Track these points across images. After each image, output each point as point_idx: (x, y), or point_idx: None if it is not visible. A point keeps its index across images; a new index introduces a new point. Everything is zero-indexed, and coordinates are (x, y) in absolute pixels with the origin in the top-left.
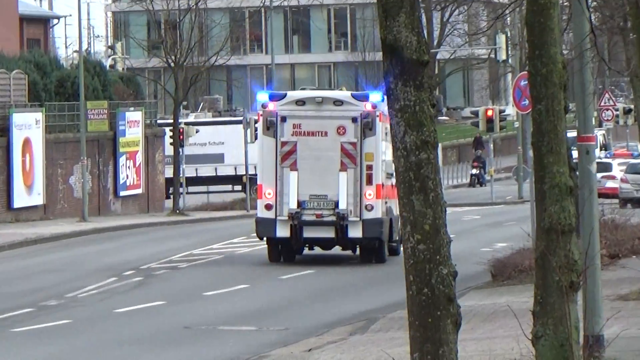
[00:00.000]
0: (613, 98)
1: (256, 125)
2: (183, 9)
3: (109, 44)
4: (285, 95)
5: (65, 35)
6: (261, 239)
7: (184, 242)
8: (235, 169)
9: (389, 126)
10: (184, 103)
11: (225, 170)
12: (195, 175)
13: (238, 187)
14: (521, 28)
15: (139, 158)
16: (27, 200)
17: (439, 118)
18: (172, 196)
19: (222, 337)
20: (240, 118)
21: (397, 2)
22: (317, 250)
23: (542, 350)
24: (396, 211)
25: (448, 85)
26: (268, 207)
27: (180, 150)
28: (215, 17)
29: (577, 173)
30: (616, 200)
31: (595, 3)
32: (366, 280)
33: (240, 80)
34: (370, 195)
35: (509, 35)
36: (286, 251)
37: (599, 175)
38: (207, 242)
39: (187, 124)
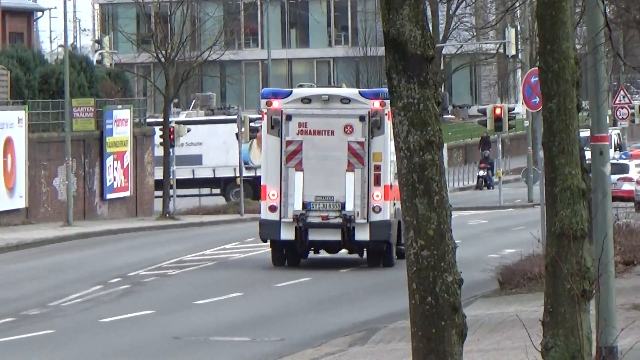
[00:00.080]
0: (628, 95)
1: (251, 124)
2: (174, 1)
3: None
4: (290, 93)
5: (50, 28)
6: (264, 241)
7: (174, 248)
8: (214, 171)
9: None
10: (175, 101)
11: (202, 173)
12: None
13: (217, 191)
14: (532, 21)
15: (127, 159)
16: (9, 204)
17: (445, 117)
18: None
19: (214, 348)
20: (234, 117)
21: None
22: (323, 253)
23: None
24: None
25: (454, 82)
26: (272, 208)
27: (171, 150)
28: (209, 10)
29: (590, 175)
30: (632, 204)
31: None
32: (367, 287)
33: (234, 77)
34: (378, 196)
35: (518, 29)
36: (290, 254)
37: (615, 177)
38: (198, 248)
39: (178, 122)
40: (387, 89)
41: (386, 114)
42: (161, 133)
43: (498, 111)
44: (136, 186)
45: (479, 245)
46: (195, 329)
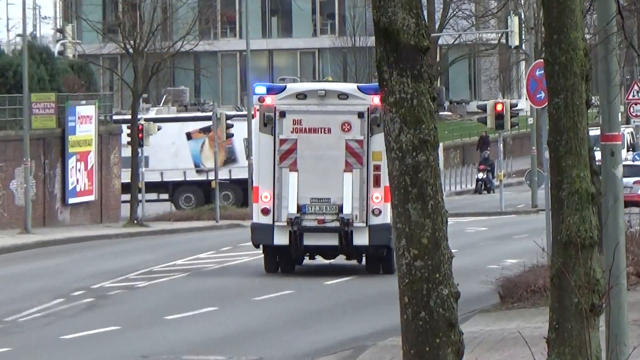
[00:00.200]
0: None
1: (228, 121)
2: None
3: (58, 27)
4: (284, 88)
5: (7, 16)
6: (257, 247)
7: (142, 257)
8: (162, 174)
9: None
10: (144, 96)
11: (149, 177)
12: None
13: (164, 196)
14: (537, 9)
15: (92, 160)
16: None
17: (441, 113)
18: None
19: None
20: (209, 113)
21: None
22: (319, 259)
23: None
24: None
25: (451, 76)
26: (265, 211)
27: (140, 150)
28: None
29: (600, 178)
30: None
31: None
32: (356, 301)
33: (209, 70)
34: (377, 198)
35: (522, 17)
36: (284, 261)
37: (630, 180)
38: (169, 258)
39: (147, 120)
40: None
41: None
42: (129, 131)
43: (499, 107)
44: (101, 190)
45: (478, 255)
46: (165, 346)
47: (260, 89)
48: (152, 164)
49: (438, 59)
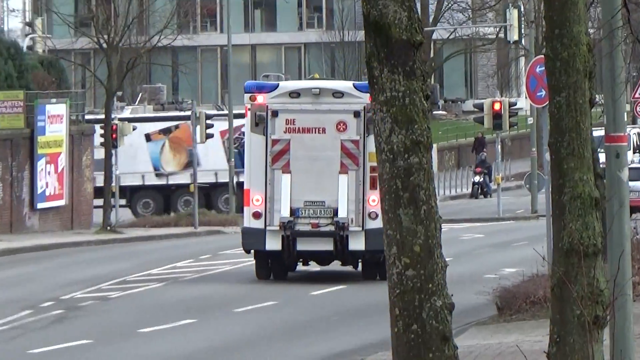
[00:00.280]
0: None
1: (208, 121)
2: None
3: (27, 20)
4: (277, 86)
5: None
6: (248, 252)
7: (116, 266)
8: (119, 178)
9: None
10: (119, 94)
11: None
12: None
13: (122, 202)
14: (537, 1)
15: (62, 162)
16: None
17: (434, 113)
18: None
19: None
20: (188, 112)
21: None
22: (313, 265)
23: None
24: None
25: (446, 72)
26: (256, 215)
27: (113, 152)
28: None
29: (605, 181)
30: None
31: None
32: (343, 312)
33: (188, 66)
34: (374, 201)
35: (522, 10)
36: (277, 267)
37: (637, 184)
38: (144, 267)
39: (122, 119)
40: None
41: None
42: (102, 132)
43: (497, 106)
44: (72, 194)
45: (474, 264)
46: None
47: (252, 87)
48: None
49: (432, 55)
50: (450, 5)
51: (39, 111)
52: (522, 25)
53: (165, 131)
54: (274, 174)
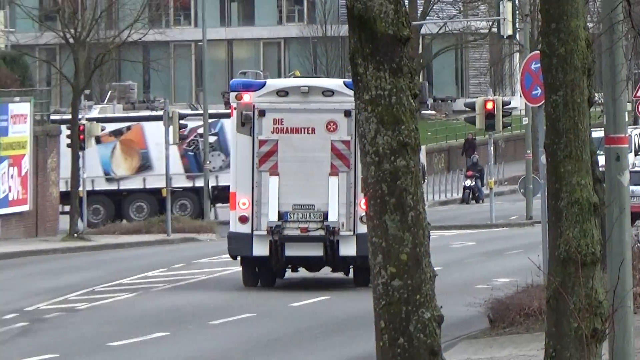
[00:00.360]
0: None
1: (181, 121)
2: None
3: None
4: (264, 85)
5: None
6: (234, 258)
7: (83, 276)
8: (67, 183)
9: None
10: (87, 92)
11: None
12: None
13: (67, 207)
14: None
15: (26, 164)
16: None
17: (423, 112)
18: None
19: None
20: (160, 112)
21: None
22: (303, 272)
23: None
24: None
25: (436, 69)
26: (243, 219)
27: (81, 154)
28: None
29: (604, 185)
30: None
31: None
32: (325, 324)
33: (160, 62)
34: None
35: (516, 2)
36: (265, 273)
37: (639, 188)
38: (114, 276)
39: (90, 119)
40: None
41: None
42: (69, 132)
43: (490, 106)
44: (37, 199)
45: (465, 274)
46: None
47: (238, 86)
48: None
49: (420, 51)
50: None
51: (1, 110)
52: (517, 19)
53: (116, 133)
54: (261, 176)
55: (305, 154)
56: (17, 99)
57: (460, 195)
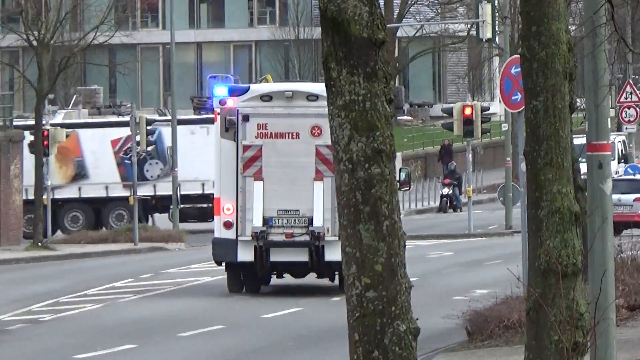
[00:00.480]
0: (637, 92)
1: (149, 127)
2: None
3: None
4: (247, 89)
5: None
6: (219, 264)
7: (48, 286)
8: (27, 191)
9: None
10: (51, 96)
11: None
12: None
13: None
14: None
15: None
16: None
17: (399, 118)
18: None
19: None
20: (127, 118)
21: None
22: (288, 278)
23: None
24: None
25: (412, 74)
26: (227, 225)
27: (45, 160)
28: None
29: (586, 194)
30: None
31: None
32: (299, 336)
33: (127, 65)
34: None
35: (496, 4)
36: (249, 279)
37: (629, 197)
38: (80, 287)
39: (54, 125)
40: None
41: None
42: (32, 138)
43: (468, 111)
44: (0, 207)
45: (442, 285)
46: None
47: (221, 90)
48: None
49: (396, 54)
50: None
51: None
52: (496, 22)
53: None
54: (245, 181)
55: (289, 159)
56: None
57: (438, 203)
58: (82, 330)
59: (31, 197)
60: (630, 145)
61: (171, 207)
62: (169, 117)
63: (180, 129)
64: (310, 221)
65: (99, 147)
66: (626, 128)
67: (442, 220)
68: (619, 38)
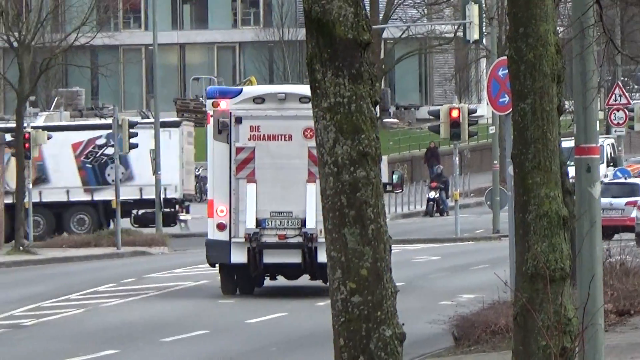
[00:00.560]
0: (626, 94)
1: (131, 129)
2: None
3: None
4: (240, 92)
5: None
6: (212, 265)
7: (30, 291)
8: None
9: None
10: (32, 98)
11: None
12: None
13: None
14: None
15: None
16: None
17: (385, 120)
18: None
19: None
20: (109, 121)
21: None
22: (282, 280)
23: None
24: None
25: (398, 75)
26: (221, 227)
27: (27, 163)
28: None
29: (575, 198)
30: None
31: None
32: (283, 342)
33: (109, 67)
34: None
35: (483, 5)
36: (243, 281)
37: (621, 201)
38: (62, 291)
39: (35, 127)
40: None
41: None
42: (13, 141)
43: (455, 114)
44: None
45: (428, 289)
46: None
47: (214, 92)
48: None
49: (382, 56)
50: (402, 0)
51: None
52: (483, 23)
53: (11, 144)
54: (238, 183)
55: (282, 161)
56: None
57: (424, 207)
58: (64, 336)
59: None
60: (619, 148)
61: (133, 211)
62: (152, 120)
63: (142, 133)
64: (303, 223)
65: (59, 151)
66: (615, 131)
67: (428, 224)
68: (607, 40)
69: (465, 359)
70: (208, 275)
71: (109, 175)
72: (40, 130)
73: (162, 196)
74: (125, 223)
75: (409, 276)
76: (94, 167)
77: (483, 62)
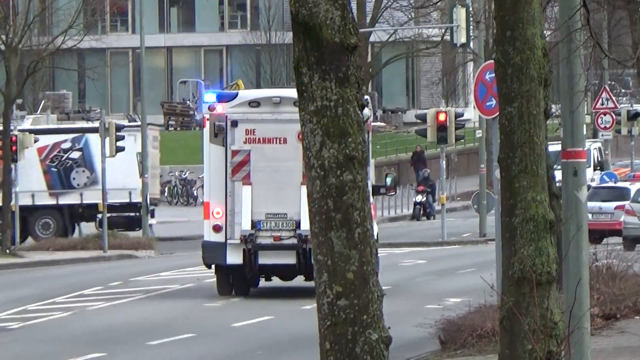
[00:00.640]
0: (613, 98)
1: (118, 132)
2: None
3: None
4: (236, 96)
5: None
6: (209, 267)
7: (16, 294)
8: None
9: None
10: (19, 101)
11: None
12: None
13: None
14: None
15: None
16: None
17: (372, 124)
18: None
19: None
20: (96, 125)
21: None
22: (276, 280)
23: None
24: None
25: (385, 79)
26: (216, 228)
27: (13, 167)
28: None
29: (561, 202)
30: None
31: None
32: (269, 345)
33: (96, 70)
34: None
35: (470, 9)
36: (239, 282)
37: (610, 205)
38: (48, 294)
39: (22, 130)
40: None
41: None
42: (0, 144)
43: (442, 117)
44: None
45: (415, 293)
46: None
47: (210, 97)
48: None
49: (369, 59)
50: (389, 3)
51: None
52: (470, 27)
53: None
54: (234, 185)
55: (277, 164)
56: None
57: (411, 211)
58: (50, 339)
59: None
60: (606, 152)
61: (98, 215)
62: (139, 123)
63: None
64: (298, 224)
65: (25, 155)
66: (602, 135)
67: (415, 228)
68: (594, 43)
69: None
70: (194, 278)
71: (74, 179)
72: (28, 133)
73: (128, 200)
74: (91, 227)
75: (395, 280)
76: (59, 171)
77: (470, 65)
